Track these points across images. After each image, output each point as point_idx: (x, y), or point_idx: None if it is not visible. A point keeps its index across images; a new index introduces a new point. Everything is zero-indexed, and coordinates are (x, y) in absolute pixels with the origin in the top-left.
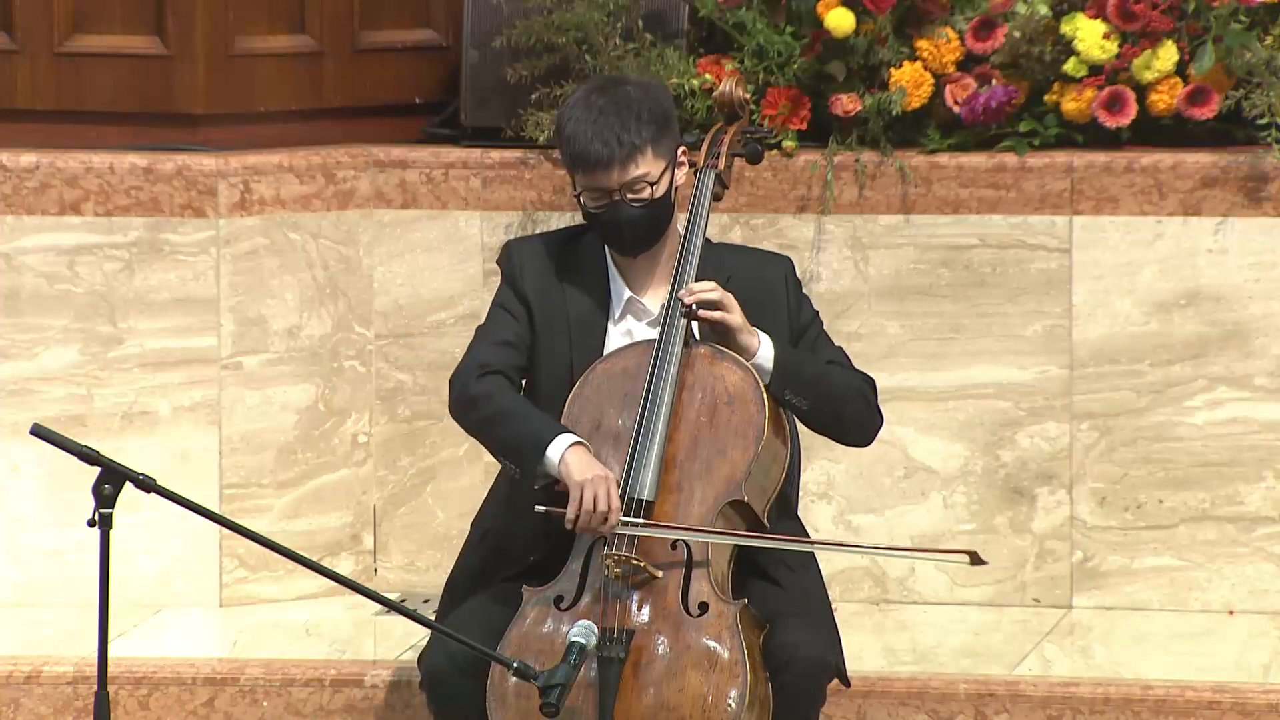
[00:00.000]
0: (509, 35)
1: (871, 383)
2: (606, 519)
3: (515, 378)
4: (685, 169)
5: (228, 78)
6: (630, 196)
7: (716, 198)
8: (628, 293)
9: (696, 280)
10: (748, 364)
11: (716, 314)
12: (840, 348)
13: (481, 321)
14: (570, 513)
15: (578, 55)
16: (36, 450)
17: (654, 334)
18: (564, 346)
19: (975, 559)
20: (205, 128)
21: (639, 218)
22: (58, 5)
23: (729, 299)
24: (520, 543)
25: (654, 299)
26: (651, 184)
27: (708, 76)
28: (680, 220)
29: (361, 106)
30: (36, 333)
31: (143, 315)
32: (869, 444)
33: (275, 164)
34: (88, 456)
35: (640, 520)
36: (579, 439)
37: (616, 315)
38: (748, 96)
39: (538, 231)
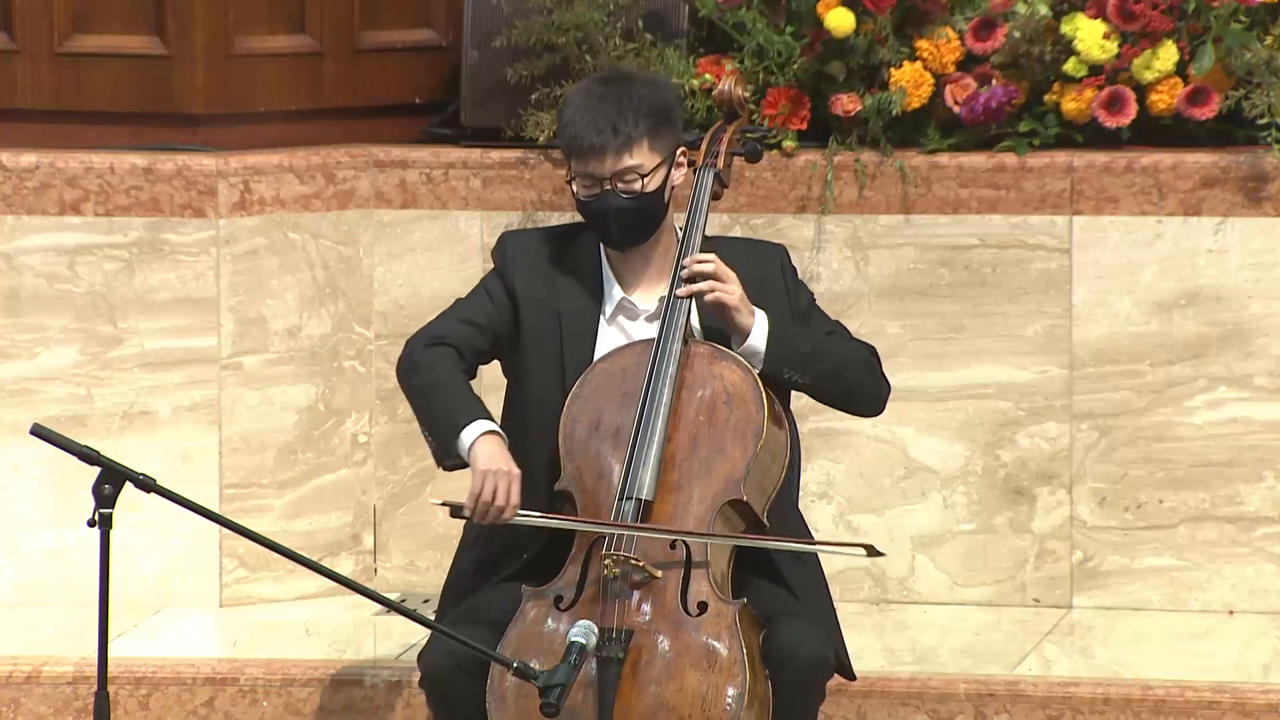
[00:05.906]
0: (509, 35)
1: (873, 350)
2: (503, 512)
3: (468, 356)
4: (684, 169)
5: (228, 78)
6: (620, 187)
7: (716, 196)
8: (620, 292)
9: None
10: (747, 363)
11: (706, 285)
12: (838, 321)
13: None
14: (469, 502)
15: (578, 55)
16: (36, 450)
17: (647, 332)
18: (554, 344)
19: (872, 551)
20: (205, 128)
21: (628, 209)
22: (58, 5)
23: (728, 274)
24: (514, 540)
25: (648, 299)
26: (643, 176)
27: (708, 76)
28: (679, 219)
29: (361, 106)
30: (36, 333)
31: (143, 315)
32: (880, 412)
33: (275, 164)
34: (88, 456)
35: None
36: (495, 429)
37: (609, 314)
38: (747, 95)
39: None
